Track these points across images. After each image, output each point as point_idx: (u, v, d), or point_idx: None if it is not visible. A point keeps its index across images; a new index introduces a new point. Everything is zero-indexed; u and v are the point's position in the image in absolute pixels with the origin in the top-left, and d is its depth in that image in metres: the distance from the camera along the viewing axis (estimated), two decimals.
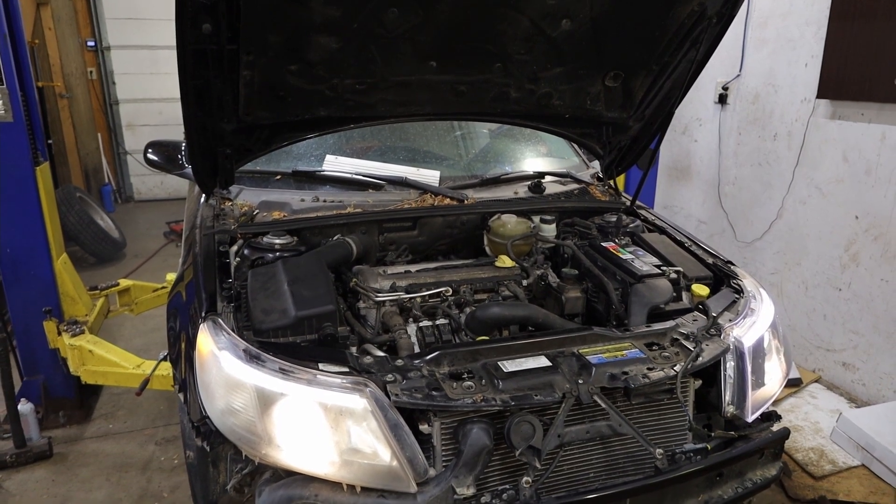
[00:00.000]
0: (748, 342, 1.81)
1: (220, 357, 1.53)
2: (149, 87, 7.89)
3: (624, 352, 1.68)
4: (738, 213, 4.12)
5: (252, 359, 1.52)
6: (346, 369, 1.52)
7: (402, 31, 1.89)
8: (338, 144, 2.74)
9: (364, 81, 2.07)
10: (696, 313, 1.92)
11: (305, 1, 1.72)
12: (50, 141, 6.10)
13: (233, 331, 1.62)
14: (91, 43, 7.69)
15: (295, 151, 2.63)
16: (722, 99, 4.12)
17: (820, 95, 3.37)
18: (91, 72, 7.74)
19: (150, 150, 2.84)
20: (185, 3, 1.61)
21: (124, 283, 3.68)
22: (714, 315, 1.87)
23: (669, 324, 1.82)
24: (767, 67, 3.77)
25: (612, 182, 2.78)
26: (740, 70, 3.96)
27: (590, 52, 2.16)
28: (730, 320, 1.89)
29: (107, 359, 2.94)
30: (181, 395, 1.75)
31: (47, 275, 3.08)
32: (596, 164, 2.99)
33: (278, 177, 2.52)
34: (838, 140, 3.35)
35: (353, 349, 1.72)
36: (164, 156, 2.83)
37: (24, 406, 2.93)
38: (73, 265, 3.33)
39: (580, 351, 1.67)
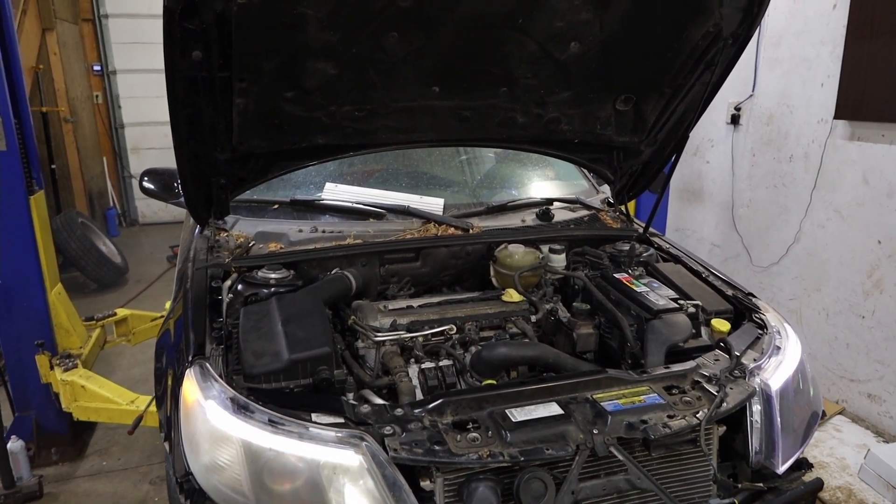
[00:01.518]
0: (776, 385, 1.69)
1: (205, 407, 1.42)
2: (154, 110, 7.87)
3: (642, 397, 1.56)
4: (753, 236, 4.00)
5: (240, 409, 1.40)
6: (342, 420, 1.41)
7: (403, 55, 1.81)
8: (338, 171, 2.65)
9: (363, 108, 1.99)
10: (717, 352, 1.79)
11: (301, 26, 1.65)
12: (53, 166, 6.08)
13: (221, 376, 1.52)
14: (97, 67, 7.71)
15: (294, 179, 2.55)
16: (734, 120, 4.02)
17: (838, 116, 3.26)
18: (97, 96, 7.75)
19: (145, 179, 2.77)
20: (173, 29, 1.54)
21: (121, 312, 3.59)
22: (737, 354, 1.75)
23: (690, 365, 1.70)
24: (782, 87, 3.67)
25: (623, 208, 2.68)
26: (753, 90, 3.86)
27: (599, 75, 2.07)
28: (754, 360, 1.76)
29: (100, 394, 2.83)
30: (167, 445, 1.63)
31: (41, 307, 2.99)
32: (606, 189, 2.89)
33: (276, 206, 2.43)
34: (858, 162, 3.23)
35: (351, 396, 1.61)
36: (160, 184, 2.76)
37: (14, 444, 2.82)
38: (69, 295, 3.24)
39: (594, 396, 1.55)
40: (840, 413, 3.37)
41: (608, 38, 1.91)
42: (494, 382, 1.74)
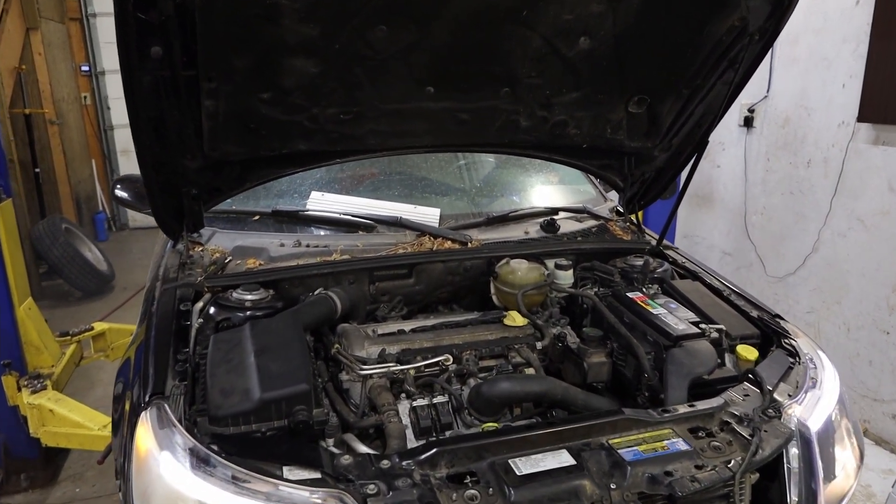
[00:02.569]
0: (815, 425, 1.49)
1: (159, 461, 1.22)
2: None
3: (664, 442, 1.36)
4: (767, 245, 3.80)
5: (199, 463, 1.21)
6: (318, 475, 1.21)
7: (393, 52, 1.63)
8: (326, 178, 2.46)
9: (350, 110, 1.80)
10: (746, 385, 1.59)
11: (276, 18, 1.46)
12: (37, 170, 5.88)
13: (181, 421, 1.32)
14: (85, 68, 7.50)
15: (277, 187, 2.35)
16: (748, 122, 3.84)
17: (861, 119, 3.08)
18: (85, 97, 7.54)
19: (118, 186, 2.57)
20: (127, 21, 1.35)
21: (99, 326, 3.38)
22: (770, 389, 1.54)
23: (717, 402, 1.49)
24: (799, 88, 3.48)
25: (633, 217, 2.48)
26: (768, 91, 3.67)
27: (611, 74, 1.89)
28: (789, 395, 1.56)
29: (69, 419, 2.63)
30: (121, 495, 1.43)
31: (8, 324, 2.79)
32: (613, 195, 2.70)
33: (256, 217, 2.23)
34: (882, 168, 3.04)
35: (331, 441, 1.41)
36: (134, 192, 2.55)
37: None
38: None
39: (610, 442, 1.35)
40: (862, 434, 3.17)
41: (621, 33, 1.73)
42: (496, 425, 1.54)
